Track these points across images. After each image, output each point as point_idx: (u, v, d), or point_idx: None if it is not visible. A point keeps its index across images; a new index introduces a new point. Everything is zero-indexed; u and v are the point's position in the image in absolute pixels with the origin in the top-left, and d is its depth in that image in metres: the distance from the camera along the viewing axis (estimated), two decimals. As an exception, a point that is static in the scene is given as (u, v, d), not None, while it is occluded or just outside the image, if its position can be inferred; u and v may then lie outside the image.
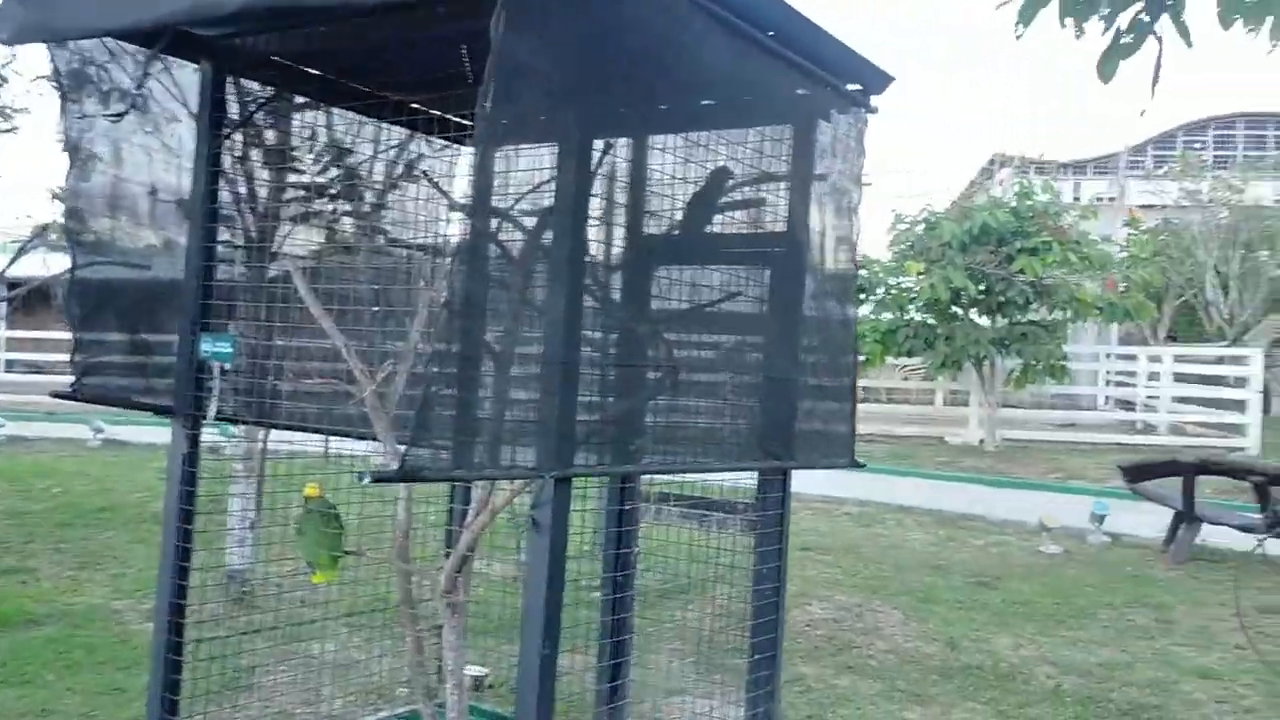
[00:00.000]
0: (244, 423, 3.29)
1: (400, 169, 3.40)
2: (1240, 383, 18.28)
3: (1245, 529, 8.44)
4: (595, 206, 2.45)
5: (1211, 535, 8.84)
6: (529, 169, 2.48)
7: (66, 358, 3.33)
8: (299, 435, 3.36)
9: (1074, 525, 9.46)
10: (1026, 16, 3.52)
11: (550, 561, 2.30)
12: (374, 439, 2.89)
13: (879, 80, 3.18)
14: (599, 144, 2.45)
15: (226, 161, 3.14)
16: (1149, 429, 18.85)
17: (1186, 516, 8.73)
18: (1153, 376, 19.54)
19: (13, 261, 7.76)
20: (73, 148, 3.19)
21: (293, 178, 3.33)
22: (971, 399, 17.88)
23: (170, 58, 3.07)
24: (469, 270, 2.18)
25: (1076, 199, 23.76)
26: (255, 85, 3.20)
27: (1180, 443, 17.12)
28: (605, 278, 2.58)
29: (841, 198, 3.18)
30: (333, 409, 3.03)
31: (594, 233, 2.43)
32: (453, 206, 3.24)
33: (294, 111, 3.28)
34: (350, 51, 3.02)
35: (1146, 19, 3.41)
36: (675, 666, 4.51)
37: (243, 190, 3.24)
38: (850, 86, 3.14)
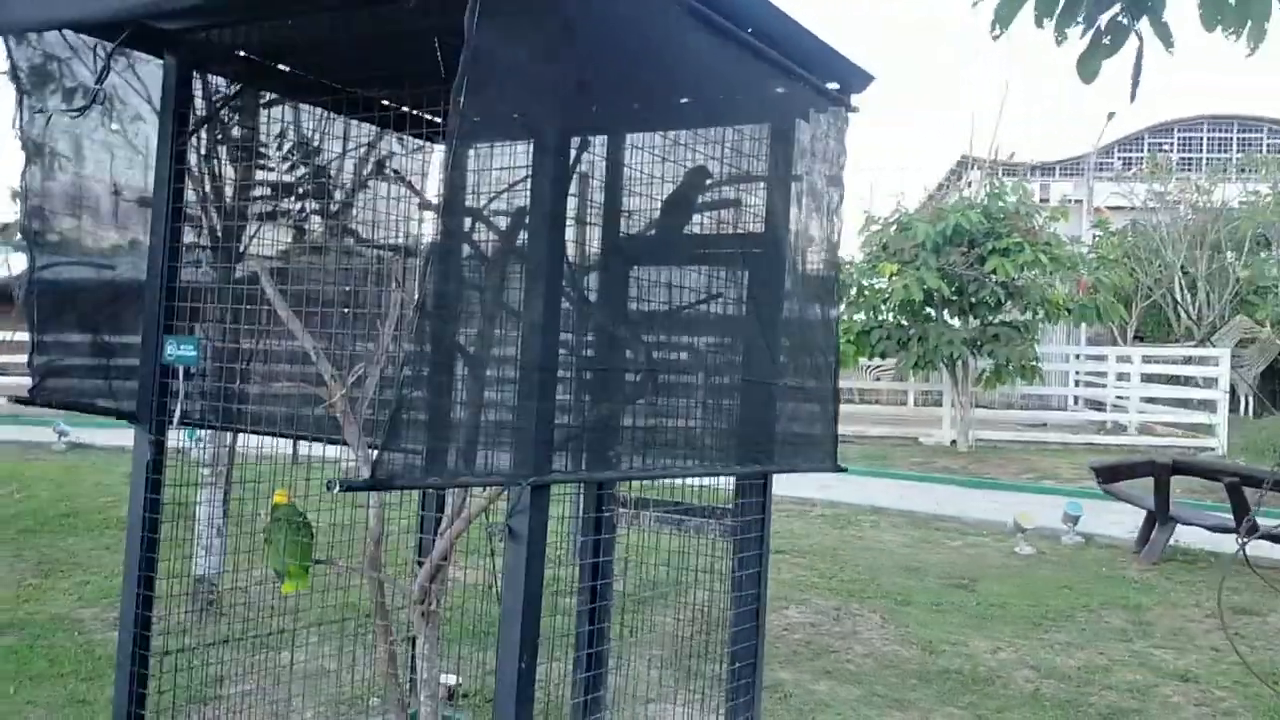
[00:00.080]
0: (210, 427, 3.21)
1: (370, 167, 3.32)
2: (1209, 383, 18.46)
3: (1218, 529, 8.49)
4: (572, 206, 2.40)
5: (1183, 535, 8.89)
6: (503, 167, 2.42)
7: (25, 360, 3.23)
8: (268, 439, 3.28)
9: (1047, 526, 9.49)
10: (1003, 17, 3.48)
11: (528, 571, 2.24)
12: (345, 444, 2.82)
13: (859, 79, 3.14)
14: (575, 141, 2.39)
15: (192, 159, 3.06)
16: (1119, 429, 18.99)
17: (1161, 517, 8.77)
18: (1121, 377, 19.72)
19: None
20: (31, 145, 3.12)
21: (260, 176, 3.25)
22: (944, 399, 17.94)
23: (133, 52, 2.99)
24: (441, 270, 2.11)
25: (1044, 200, 23.90)
26: (221, 80, 3.13)
27: (1149, 443, 17.25)
28: (582, 279, 2.52)
29: (822, 198, 3.14)
30: (302, 413, 2.95)
31: (570, 233, 2.37)
32: (424, 205, 3.16)
33: (261, 108, 3.20)
34: (318, 46, 2.95)
35: (1125, 22, 3.38)
36: (653, 675, 4.44)
37: (208, 188, 3.16)
38: (829, 85, 3.10)
